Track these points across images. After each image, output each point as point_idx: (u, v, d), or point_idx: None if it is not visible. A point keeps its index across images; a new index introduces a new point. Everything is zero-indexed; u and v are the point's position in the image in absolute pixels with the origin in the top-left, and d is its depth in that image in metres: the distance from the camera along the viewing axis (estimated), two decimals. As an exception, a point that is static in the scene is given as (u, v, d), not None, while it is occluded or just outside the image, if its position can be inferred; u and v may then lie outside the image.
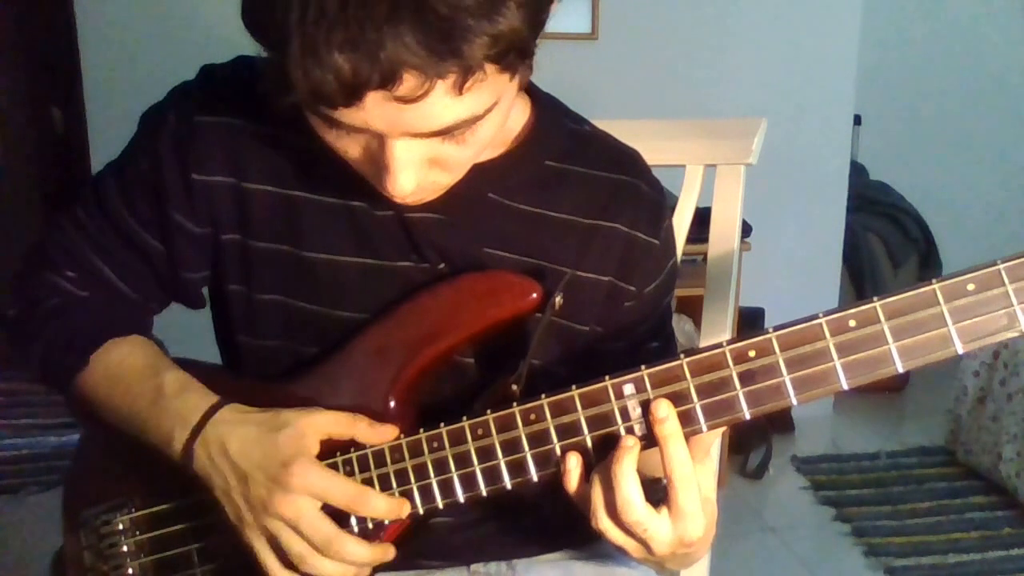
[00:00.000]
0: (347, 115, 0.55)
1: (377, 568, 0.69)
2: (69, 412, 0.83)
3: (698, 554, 0.65)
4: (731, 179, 1.04)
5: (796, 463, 2.69)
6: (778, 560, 2.20)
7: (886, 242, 3.34)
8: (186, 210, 0.74)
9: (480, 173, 0.70)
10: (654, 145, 0.91)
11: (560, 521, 0.82)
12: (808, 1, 2.87)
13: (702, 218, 1.06)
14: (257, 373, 0.77)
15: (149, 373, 0.72)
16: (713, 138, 1.05)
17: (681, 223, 1.08)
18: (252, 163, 0.73)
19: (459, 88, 0.53)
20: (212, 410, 0.68)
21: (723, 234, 1.04)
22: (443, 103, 0.54)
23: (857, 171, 3.28)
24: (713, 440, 0.61)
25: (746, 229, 2.70)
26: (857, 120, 3.18)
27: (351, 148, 0.61)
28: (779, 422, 2.88)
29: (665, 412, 0.58)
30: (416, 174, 0.60)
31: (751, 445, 2.69)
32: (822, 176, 3.00)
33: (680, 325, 2.28)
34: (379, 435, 0.67)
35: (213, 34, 2.51)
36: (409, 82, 0.51)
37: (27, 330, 0.79)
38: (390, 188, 0.60)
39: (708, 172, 1.07)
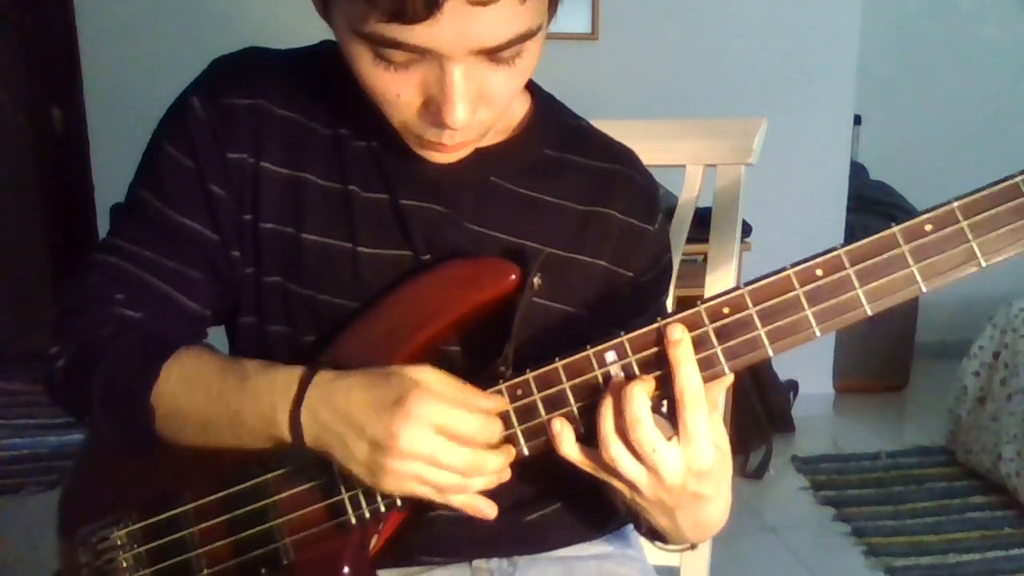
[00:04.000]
0: (418, 33, 0.56)
1: (379, 564, 0.70)
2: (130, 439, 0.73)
3: (711, 510, 0.64)
4: (731, 179, 1.04)
5: (796, 463, 2.69)
6: (778, 560, 2.20)
7: (886, 242, 3.33)
8: (224, 186, 0.73)
9: (482, 157, 0.73)
10: (654, 145, 0.91)
11: (562, 518, 0.83)
12: (808, 1, 2.87)
13: (702, 218, 1.07)
14: (257, 358, 0.77)
15: (228, 366, 0.69)
16: (713, 138, 1.06)
17: (681, 223, 1.08)
18: (270, 144, 0.74)
19: None
20: (307, 376, 0.65)
21: (723, 234, 1.04)
22: (510, 11, 0.57)
23: (857, 171, 3.28)
24: (719, 394, 0.62)
25: (746, 229, 2.70)
26: (857, 120, 3.19)
27: (404, 88, 0.62)
28: (779, 422, 2.88)
29: (679, 335, 0.59)
30: (471, 105, 0.62)
31: (751, 445, 2.69)
32: (822, 176, 3.01)
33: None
34: (493, 402, 0.64)
35: (213, 33, 2.51)
36: None
37: (82, 367, 0.72)
38: (448, 118, 0.61)
39: (708, 172, 1.07)
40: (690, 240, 1.09)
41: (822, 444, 2.84)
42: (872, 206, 3.37)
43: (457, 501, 0.64)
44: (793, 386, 3.03)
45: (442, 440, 0.61)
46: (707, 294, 1.05)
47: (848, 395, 3.19)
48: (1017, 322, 2.48)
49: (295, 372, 0.66)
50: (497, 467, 0.63)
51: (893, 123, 3.63)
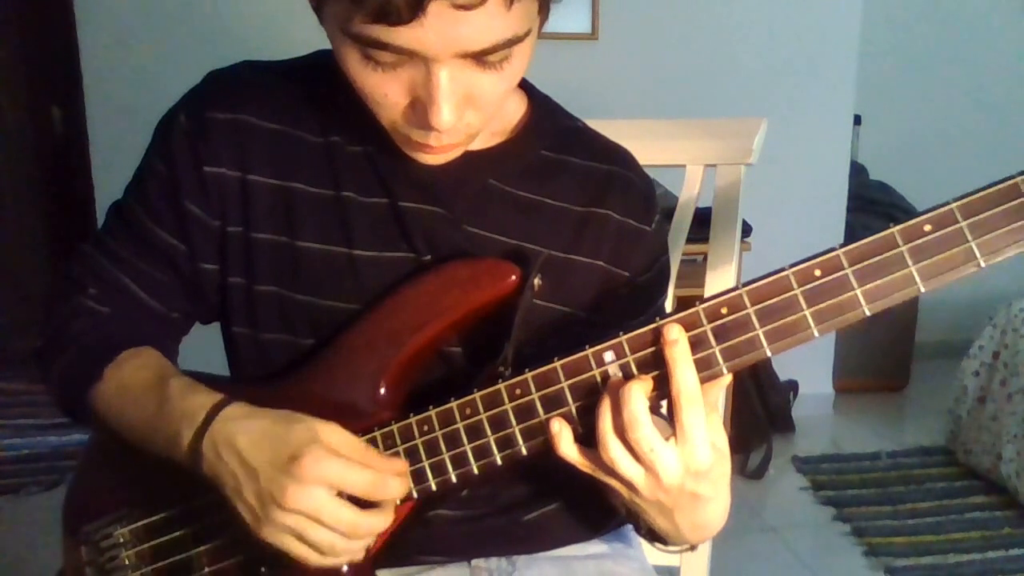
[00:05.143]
0: (403, 35, 0.57)
1: (378, 564, 0.70)
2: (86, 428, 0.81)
3: (710, 511, 0.64)
4: (731, 179, 1.04)
5: (796, 463, 2.70)
6: (778, 560, 2.20)
7: (886, 242, 3.33)
8: (200, 201, 0.75)
9: (480, 160, 0.74)
10: (654, 145, 0.91)
11: (561, 517, 0.83)
12: (808, 1, 2.87)
13: (702, 218, 1.07)
14: (258, 367, 0.78)
15: (156, 381, 0.72)
16: (713, 138, 1.06)
17: (681, 223, 1.08)
18: (256, 157, 0.75)
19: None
20: (217, 407, 0.67)
21: (723, 234, 1.04)
22: (495, 15, 0.57)
23: (857, 171, 3.28)
24: (718, 394, 0.62)
25: (746, 229, 2.70)
26: (857, 120, 3.18)
27: (392, 88, 0.62)
28: (779, 422, 2.88)
29: (676, 335, 0.59)
30: (457, 107, 0.62)
31: (751, 445, 2.69)
32: (822, 176, 3.01)
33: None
34: (391, 464, 0.66)
35: (213, 34, 2.52)
36: None
37: (49, 355, 0.79)
38: (434, 120, 0.62)
39: (708, 172, 1.07)
40: (690, 240, 1.09)
41: (822, 444, 2.84)
42: (872, 206, 3.37)
43: (329, 563, 0.66)
44: (793, 386, 3.03)
45: (330, 500, 0.62)
46: (707, 294, 1.05)
47: (848, 395, 3.18)
48: (1017, 322, 2.48)
49: (208, 400, 0.68)
50: (379, 527, 0.65)
51: (893, 123, 3.63)
